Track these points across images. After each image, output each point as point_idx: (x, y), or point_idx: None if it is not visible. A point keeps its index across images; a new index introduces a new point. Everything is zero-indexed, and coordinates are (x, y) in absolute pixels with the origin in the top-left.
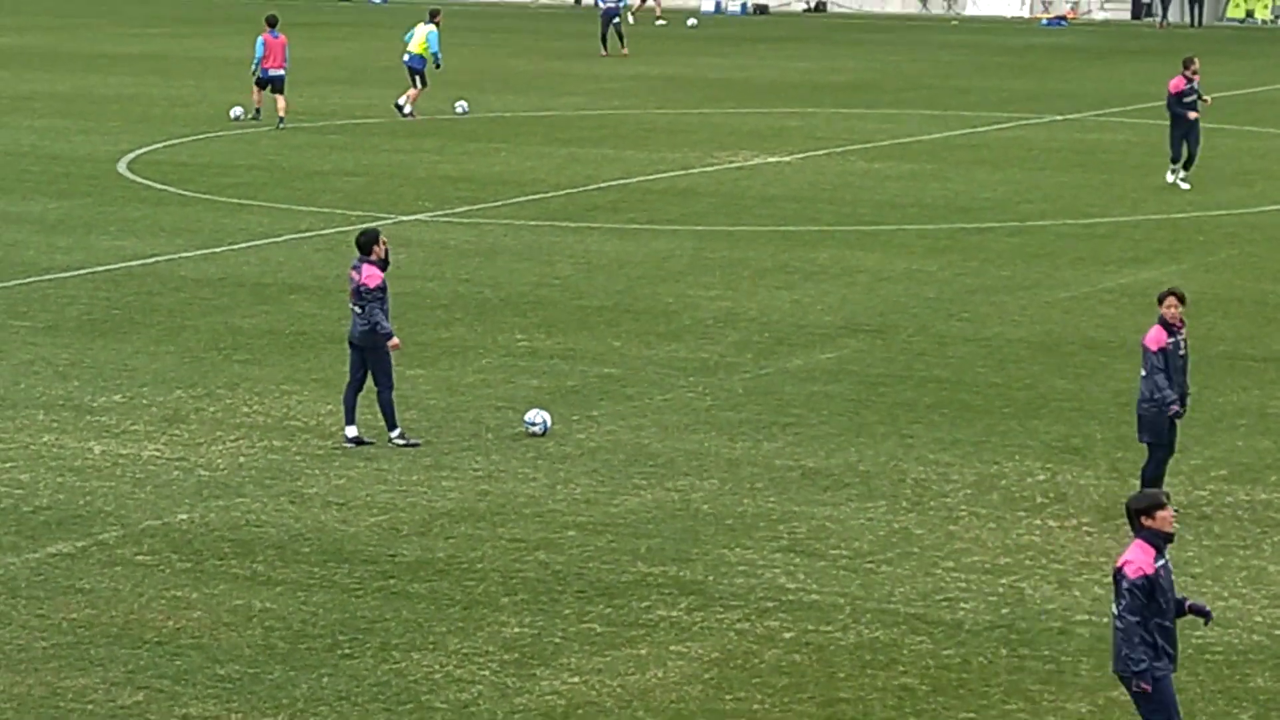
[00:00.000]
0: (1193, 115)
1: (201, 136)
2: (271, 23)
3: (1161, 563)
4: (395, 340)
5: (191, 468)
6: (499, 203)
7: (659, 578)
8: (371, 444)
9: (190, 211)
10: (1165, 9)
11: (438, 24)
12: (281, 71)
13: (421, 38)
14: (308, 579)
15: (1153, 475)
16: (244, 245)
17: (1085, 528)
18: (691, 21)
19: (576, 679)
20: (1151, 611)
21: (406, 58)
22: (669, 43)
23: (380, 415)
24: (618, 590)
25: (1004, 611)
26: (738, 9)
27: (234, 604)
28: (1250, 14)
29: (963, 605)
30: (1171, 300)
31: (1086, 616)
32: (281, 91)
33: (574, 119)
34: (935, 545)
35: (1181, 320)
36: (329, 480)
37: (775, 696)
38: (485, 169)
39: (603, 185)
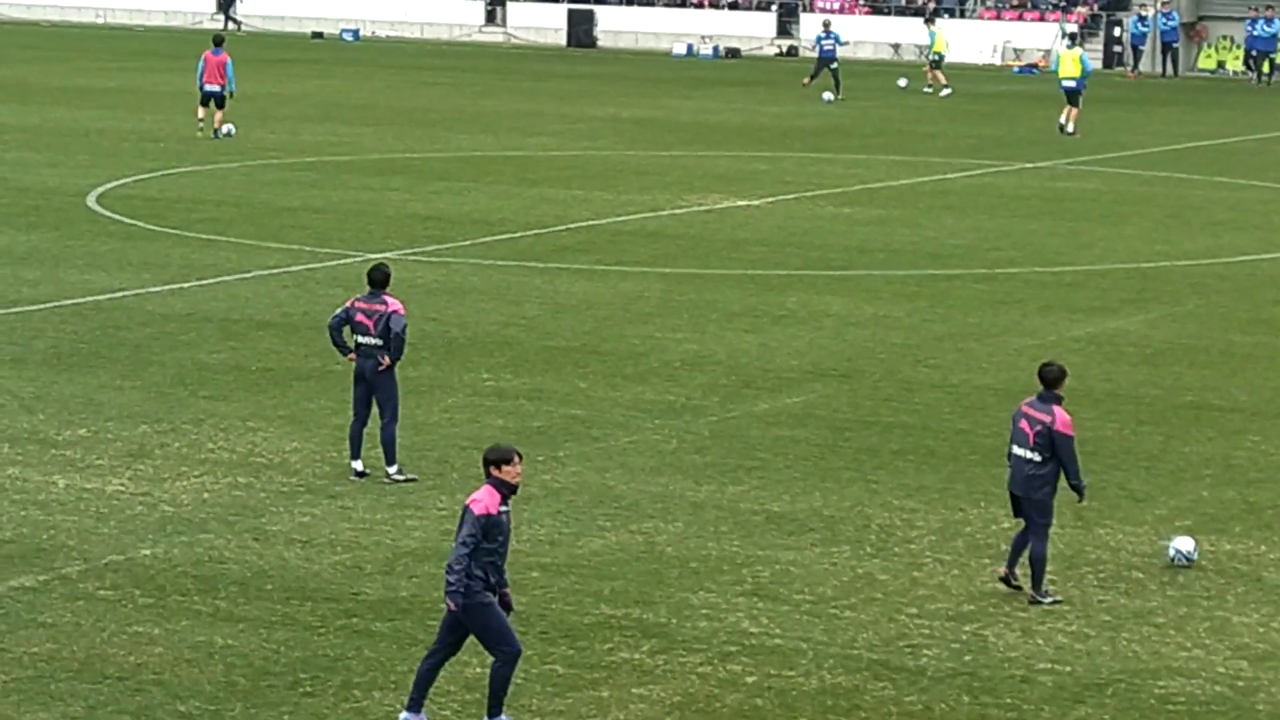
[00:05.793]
0: None
1: (171, 171)
2: (217, 41)
3: (505, 509)
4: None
5: (155, 503)
6: (467, 242)
7: (622, 620)
8: (367, 475)
9: (158, 246)
10: (1137, 59)
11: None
12: (219, 88)
13: (1075, 58)
14: (270, 616)
15: None
16: (212, 281)
17: (1049, 575)
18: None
19: None
20: (484, 550)
21: (1070, 83)
22: (641, 85)
23: (381, 448)
24: (580, 632)
25: (966, 659)
26: (710, 52)
27: (196, 640)
28: (1221, 65)
29: (925, 651)
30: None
31: (1049, 665)
32: (222, 106)
33: (543, 159)
34: (899, 591)
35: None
36: (293, 518)
37: None
38: (454, 208)
39: (572, 226)
